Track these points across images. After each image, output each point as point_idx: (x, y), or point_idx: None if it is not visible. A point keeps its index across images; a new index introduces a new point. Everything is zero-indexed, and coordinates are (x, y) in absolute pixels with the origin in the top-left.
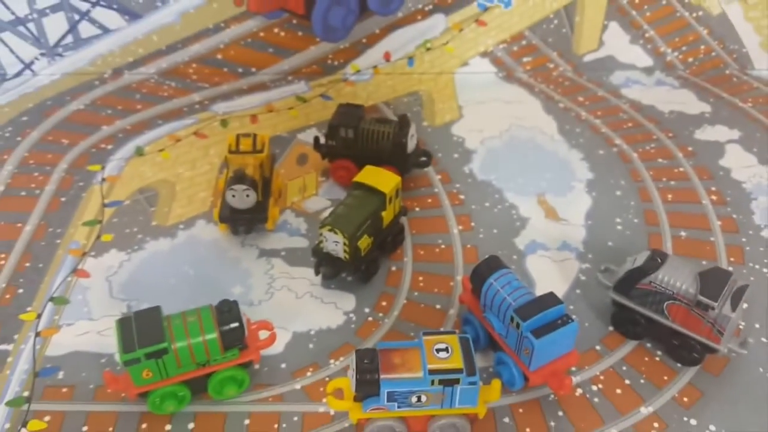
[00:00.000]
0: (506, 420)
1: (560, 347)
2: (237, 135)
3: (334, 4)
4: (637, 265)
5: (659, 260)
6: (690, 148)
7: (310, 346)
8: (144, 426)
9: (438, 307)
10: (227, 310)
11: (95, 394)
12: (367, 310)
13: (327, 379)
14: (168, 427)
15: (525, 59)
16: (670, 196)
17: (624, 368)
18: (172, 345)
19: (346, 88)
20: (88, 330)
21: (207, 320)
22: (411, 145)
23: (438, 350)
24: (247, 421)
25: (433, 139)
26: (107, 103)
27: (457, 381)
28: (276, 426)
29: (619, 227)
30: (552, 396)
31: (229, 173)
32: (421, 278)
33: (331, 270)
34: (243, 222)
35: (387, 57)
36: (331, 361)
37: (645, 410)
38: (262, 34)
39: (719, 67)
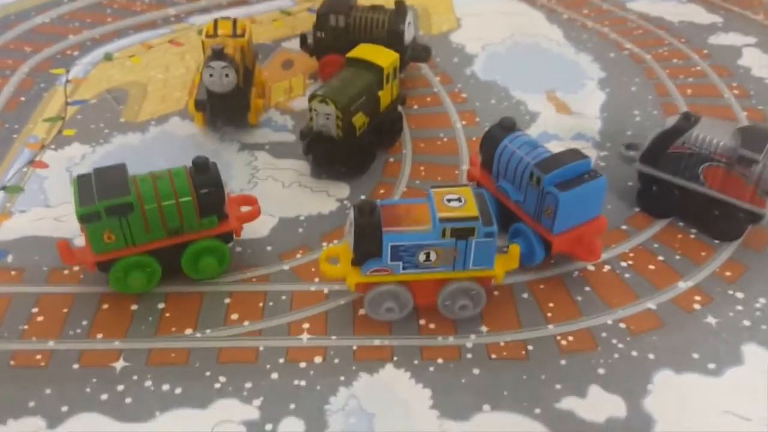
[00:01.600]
0: (525, 295)
1: (587, 208)
2: (215, 19)
3: None
4: (667, 128)
5: (693, 119)
6: (705, 51)
7: (300, 230)
8: (105, 307)
9: None
10: (204, 171)
11: (49, 277)
12: (363, 197)
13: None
14: (134, 307)
15: None
16: (689, 90)
17: (655, 245)
18: (140, 206)
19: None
20: (43, 216)
21: (181, 181)
22: (408, 34)
23: (449, 200)
24: (227, 300)
25: (430, 46)
26: (75, 17)
27: (471, 232)
28: (261, 305)
29: (637, 119)
30: (577, 273)
31: (203, 62)
32: (422, 168)
33: (323, 151)
34: (221, 110)
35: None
36: (324, 243)
37: (684, 284)
38: None
39: None
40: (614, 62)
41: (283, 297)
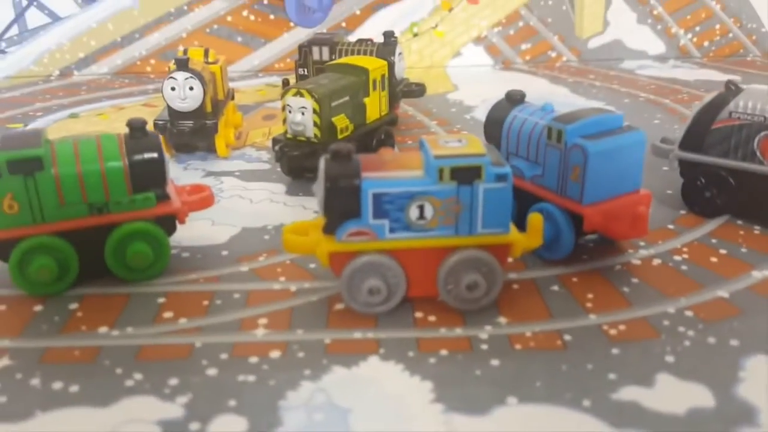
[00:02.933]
0: (555, 288)
1: (623, 172)
2: (184, 48)
3: None
4: (708, 101)
5: (736, 88)
6: None
7: (266, 237)
8: (1, 308)
9: None
10: (140, 134)
11: None
12: None
13: (287, 262)
14: (37, 308)
15: (523, 46)
16: None
17: (713, 241)
18: (53, 169)
19: None
20: None
21: (110, 144)
22: (399, 67)
23: (447, 142)
24: (161, 300)
25: (425, 103)
26: (47, 92)
27: (477, 173)
28: (206, 303)
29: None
30: (619, 266)
31: None
32: None
33: (297, 156)
34: (183, 134)
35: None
36: None
37: (759, 273)
38: (229, 18)
39: (739, 53)
40: (631, 106)
41: (236, 295)
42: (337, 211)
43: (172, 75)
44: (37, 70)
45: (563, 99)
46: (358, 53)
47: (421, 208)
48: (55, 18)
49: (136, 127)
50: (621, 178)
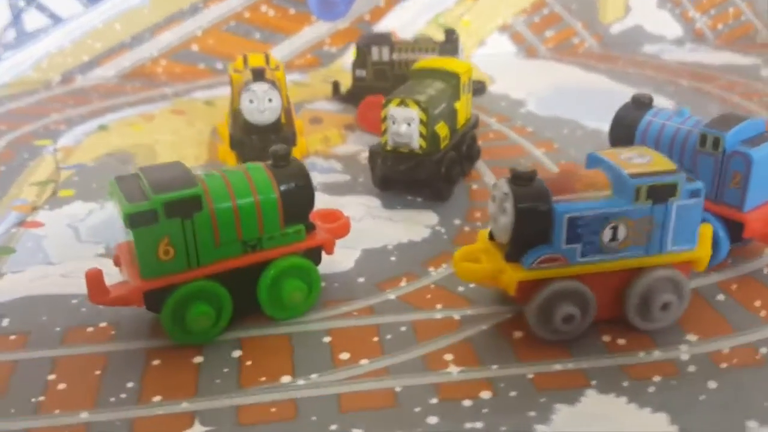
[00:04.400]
0: (720, 297)
1: None
2: (243, 54)
3: None
4: None
5: None
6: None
7: (392, 259)
8: (156, 363)
9: None
10: (285, 162)
11: (65, 337)
12: (457, 221)
13: (432, 286)
14: (197, 359)
15: (547, 33)
16: None
17: None
18: (209, 206)
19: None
20: (46, 274)
21: (260, 176)
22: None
23: (629, 158)
24: (326, 339)
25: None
26: (55, 100)
27: (672, 190)
28: (376, 339)
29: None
30: (767, 269)
31: (236, 98)
32: None
33: (400, 169)
34: (262, 148)
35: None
36: (431, 269)
37: None
38: (247, 14)
39: (749, 34)
40: (679, 91)
41: (402, 328)
42: (526, 238)
43: (251, 87)
44: (35, 76)
45: (607, 87)
46: (420, 52)
47: (615, 229)
48: (56, 20)
49: (280, 155)
50: None
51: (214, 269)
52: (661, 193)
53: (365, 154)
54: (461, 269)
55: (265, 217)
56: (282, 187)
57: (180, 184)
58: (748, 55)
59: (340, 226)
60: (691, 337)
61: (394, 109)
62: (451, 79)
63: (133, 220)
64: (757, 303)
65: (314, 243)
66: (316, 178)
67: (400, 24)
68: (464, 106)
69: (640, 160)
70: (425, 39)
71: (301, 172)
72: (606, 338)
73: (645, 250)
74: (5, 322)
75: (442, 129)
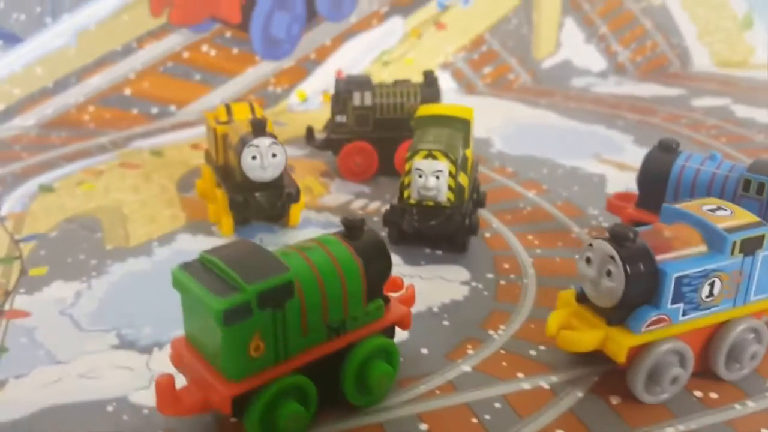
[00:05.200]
0: None
1: None
2: (225, 104)
3: (276, 8)
4: None
5: None
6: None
7: (445, 323)
8: None
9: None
10: (361, 234)
11: None
12: (490, 275)
13: (502, 352)
14: None
15: (486, 70)
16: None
17: None
18: (299, 293)
19: (298, 117)
20: (59, 377)
21: (340, 252)
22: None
23: (712, 210)
24: (423, 426)
25: None
26: None
27: (760, 242)
28: (475, 420)
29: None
30: None
31: (222, 153)
32: (530, 237)
33: (434, 225)
34: (261, 208)
35: (339, 75)
36: (491, 332)
37: None
38: (186, 54)
39: (664, 65)
40: (631, 125)
41: (497, 405)
42: (634, 300)
43: (254, 143)
44: None
45: (559, 123)
46: (401, 94)
47: (712, 285)
48: None
49: (355, 225)
50: None
51: (302, 360)
52: (751, 245)
53: (358, 204)
54: (564, 339)
55: (351, 295)
56: (363, 262)
57: (270, 270)
58: (670, 86)
59: (409, 295)
60: None
61: (419, 162)
62: (462, 125)
63: (227, 317)
64: None
65: (394, 319)
66: (315, 234)
67: (346, 63)
68: (470, 152)
69: (724, 213)
70: (403, 82)
71: (379, 243)
72: (698, 394)
73: (733, 302)
74: None
75: (464, 179)
